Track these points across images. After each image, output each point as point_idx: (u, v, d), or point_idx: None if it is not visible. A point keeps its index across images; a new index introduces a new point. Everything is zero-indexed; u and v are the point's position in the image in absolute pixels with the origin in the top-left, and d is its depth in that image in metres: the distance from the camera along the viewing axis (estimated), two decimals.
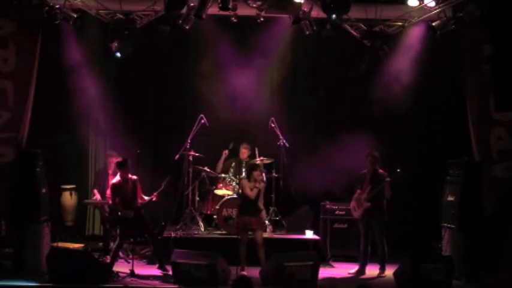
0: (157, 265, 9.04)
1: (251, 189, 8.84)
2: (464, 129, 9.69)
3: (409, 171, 10.48)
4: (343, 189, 10.36)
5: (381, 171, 9.18)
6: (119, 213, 8.92)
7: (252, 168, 9.15)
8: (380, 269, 9.16)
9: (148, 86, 11.11)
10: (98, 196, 10.06)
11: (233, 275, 8.39)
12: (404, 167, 9.40)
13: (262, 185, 8.95)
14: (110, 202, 9.16)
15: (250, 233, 8.86)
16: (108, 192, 10.03)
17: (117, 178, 9.04)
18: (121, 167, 9.00)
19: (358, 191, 9.30)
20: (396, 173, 9.01)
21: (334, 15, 8.78)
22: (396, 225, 10.05)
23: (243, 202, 8.98)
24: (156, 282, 8.44)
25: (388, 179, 8.99)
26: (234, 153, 10.80)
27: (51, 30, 9.52)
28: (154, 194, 9.20)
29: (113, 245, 9.77)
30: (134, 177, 9.06)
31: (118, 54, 9.63)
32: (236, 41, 10.83)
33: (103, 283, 8.13)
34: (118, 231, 9.05)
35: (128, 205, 8.88)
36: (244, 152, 10.68)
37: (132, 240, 9.20)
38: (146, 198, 9.17)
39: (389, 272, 8.91)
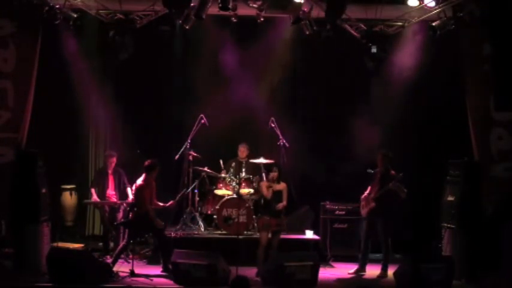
0: (161, 268, 8.99)
1: (267, 189, 8.88)
2: (464, 129, 9.68)
3: (409, 172, 10.52)
4: (343, 189, 10.36)
5: (392, 172, 9.13)
6: (130, 215, 8.92)
7: (268, 168, 9.22)
8: (382, 269, 9.14)
9: (148, 86, 11.11)
10: (94, 196, 10.05)
11: (233, 275, 8.38)
12: (404, 167, 9.36)
13: (281, 186, 8.97)
14: (135, 202, 9.05)
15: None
16: (108, 191, 10.08)
17: (142, 179, 8.95)
18: (149, 170, 8.91)
19: (369, 188, 9.28)
20: (398, 177, 8.97)
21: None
22: (396, 225, 10.05)
23: (263, 202, 9.03)
24: (156, 282, 8.44)
25: (390, 184, 8.97)
26: (233, 153, 10.80)
27: (51, 30, 9.52)
28: (171, 202, 9.22)
29: (112, 245, 9.82)
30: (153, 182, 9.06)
31: (118, 54, 9.64)
32: (236, 41, 10.83)
33: (103, 283, 8.13)
34: (127, 232, 9.00)
35: (145, 209, 8.86)
36: (243, 152, 10.69)
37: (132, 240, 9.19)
38: (160, 204, 9.15)
39: (389, 272, 8.90)
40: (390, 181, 8.99)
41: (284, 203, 8.92)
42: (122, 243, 9.07)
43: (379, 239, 9.14)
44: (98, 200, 10.04)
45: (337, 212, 10.20)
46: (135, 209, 8.98)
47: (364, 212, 9.29)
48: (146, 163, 9.00)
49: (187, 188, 10.18)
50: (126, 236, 9.07)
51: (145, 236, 9.82)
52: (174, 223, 10.35)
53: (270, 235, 8.89)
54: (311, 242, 9.93)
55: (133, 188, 9.16)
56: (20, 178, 8.87)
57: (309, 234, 10.11)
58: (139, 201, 8.90)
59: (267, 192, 8.87)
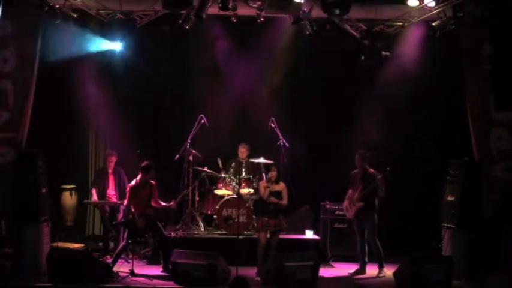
0: (161, 268, 8.99)
1: (264, 189, 8.88)
2: (464, 129, 9.68)
3: (409, 171, 10.53)
4: (344, 189, 10.35)
5: (371, 170, 9.19)
6: (130, 216, 8.94)
7: (267, 168, 9.23)
8: (379, 268, 9.15)
9: (148, 85, 11.12)
10: (94, 196, 10.05)
11: (233, 275, 8.38)
12: (405, 167, 9.40)
13: (280, 186, 8.97)
14: (126, 203, 9.11)
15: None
16: (108, 191, 10.08)
17: (136, 180, 9.00)
18: (144, 171, 8.93)
19: (350, 191, 9.31)
20: (386, 171, 9.00)
21: (337, 11, 8.77)
22: (396, 225, 10.05)
23: (261, 203, 9.03)
24: (156, 282, 8.44)
25: (379, 176, 8.99)
26: (233, 154, 10.80)
27: (51, 30, 9.51)
28: (173, 202, 9.25)
29: (112, 245, 9.82)
30: (153, 182, 9.05)
31: (118, 54, 9.65)
32: (236, 41, 10.83)
33: (103, 283, 8.13)
34: (126, 233, 9.01)
35: (141, 210, 8.89)
36: (243, 152, 10.68)
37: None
38: (163, 203, 9.16)
39: (389, 272, 8.90)
40: (371, 179, 9.03)
41: (284, 201, 8.92)
42: (121, 244, 9.07)
43: (368, 237, 9.14)
44: (98, 200, 10.05)
45: (337, 212, 10.19)
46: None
47: (350, 214, 9.30)
48: (142, 164, 9.03)
49: (188, 189, 10.18)
50: (125, 236, 9.06)
51: (145, 236, 9.80)
52: (174, 223, 10.35)
53: (268, 235, 8.89)
54: (311, 242, 9.92)
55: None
56: (20, 178, 8.86)
57: (309, 234, 10.11)
58: (128, 202, 8.93)
59: (263, 193, 8.88)
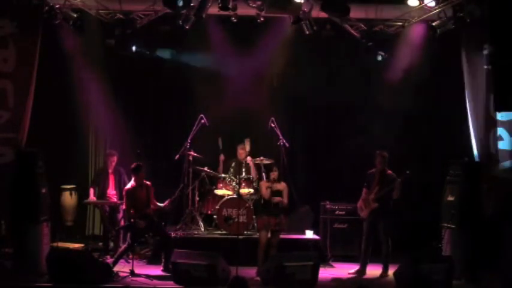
0: (162, 268, 9.00)
1: (266, 189, 8.88)
2: (464, 129, 9.69)
3: (409, 171, 10.53)
4: (344, 189, 10.36)
5: (389, 171, 9.12)
6: (131, 219, 8.94)
7: (268, 168, 9.23)
8: (383, 268, 9.13)
9: (148, 85, 11.12)
10: (91, 196, 10.04)
11: (233, 275, 8.37)
12: (404, 167, 9.36)
13: (281, 186, 8.97)
14: (125, 207, 9.13)
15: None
16: (109, 191, 10.09)
17: (131, 183, 9.03)
18: (135, 172, 8.95)
19: (365, 191, 9.28)
20: (406, 175, 8.96)
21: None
22: (396, 225, 10.04)
23: (262, 202, 9.02)
24: (156, 282, 8.44)
25: (399, 179, 8.95)
26: (233, 154, 10.79)
27: (51, 30, 9.52)
28: (167, 201, 9.24)
29: (112, 245, 9.82)
30: (148, 182, 9.06)
31: (118, 54, 9.65)
32: (236, 41, 10.83)
33: (103, 283, 8.13)
34: (129, 235, 9.02)
35: (141, 211, 8.90)
36: (241, 153, 10.66)
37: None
38: (159, 204, 9.17)
39: (389, 272, 8.90)
40: (390, 181, 9.00)
41: (284, 200, 8.91)
42: (124, 246, 9.08)
43: (380, 239, 9.13)
44: (94, 199, 10.04)
45: (337, 212, 10.19)
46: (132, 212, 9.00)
47: (364, 214, 9.25)
48: (132, 166, 9.03)
49: (183, 186, 10.15)
50: (128, 238, 9.07)
51: (146, 236, 9.82)
52: (174, 223, 10.35)
53: (269, 235, 8.90)
54: (311, 242, 9.93)
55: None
56: (20, 178, 8.86)
57: (309, 234, 10.11)
58: (127, 205, 8.94)
59: (265, 192, 8.88)
